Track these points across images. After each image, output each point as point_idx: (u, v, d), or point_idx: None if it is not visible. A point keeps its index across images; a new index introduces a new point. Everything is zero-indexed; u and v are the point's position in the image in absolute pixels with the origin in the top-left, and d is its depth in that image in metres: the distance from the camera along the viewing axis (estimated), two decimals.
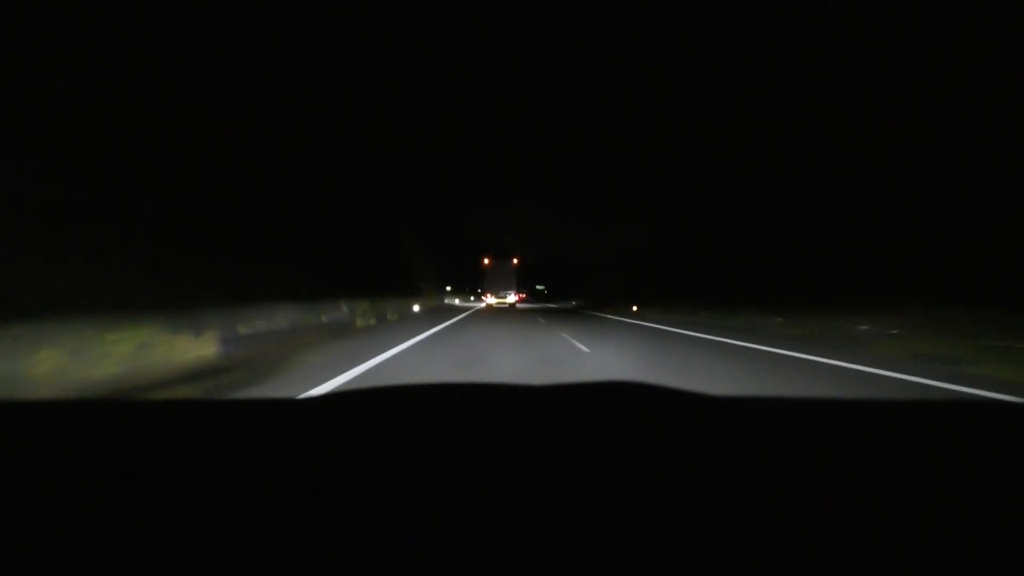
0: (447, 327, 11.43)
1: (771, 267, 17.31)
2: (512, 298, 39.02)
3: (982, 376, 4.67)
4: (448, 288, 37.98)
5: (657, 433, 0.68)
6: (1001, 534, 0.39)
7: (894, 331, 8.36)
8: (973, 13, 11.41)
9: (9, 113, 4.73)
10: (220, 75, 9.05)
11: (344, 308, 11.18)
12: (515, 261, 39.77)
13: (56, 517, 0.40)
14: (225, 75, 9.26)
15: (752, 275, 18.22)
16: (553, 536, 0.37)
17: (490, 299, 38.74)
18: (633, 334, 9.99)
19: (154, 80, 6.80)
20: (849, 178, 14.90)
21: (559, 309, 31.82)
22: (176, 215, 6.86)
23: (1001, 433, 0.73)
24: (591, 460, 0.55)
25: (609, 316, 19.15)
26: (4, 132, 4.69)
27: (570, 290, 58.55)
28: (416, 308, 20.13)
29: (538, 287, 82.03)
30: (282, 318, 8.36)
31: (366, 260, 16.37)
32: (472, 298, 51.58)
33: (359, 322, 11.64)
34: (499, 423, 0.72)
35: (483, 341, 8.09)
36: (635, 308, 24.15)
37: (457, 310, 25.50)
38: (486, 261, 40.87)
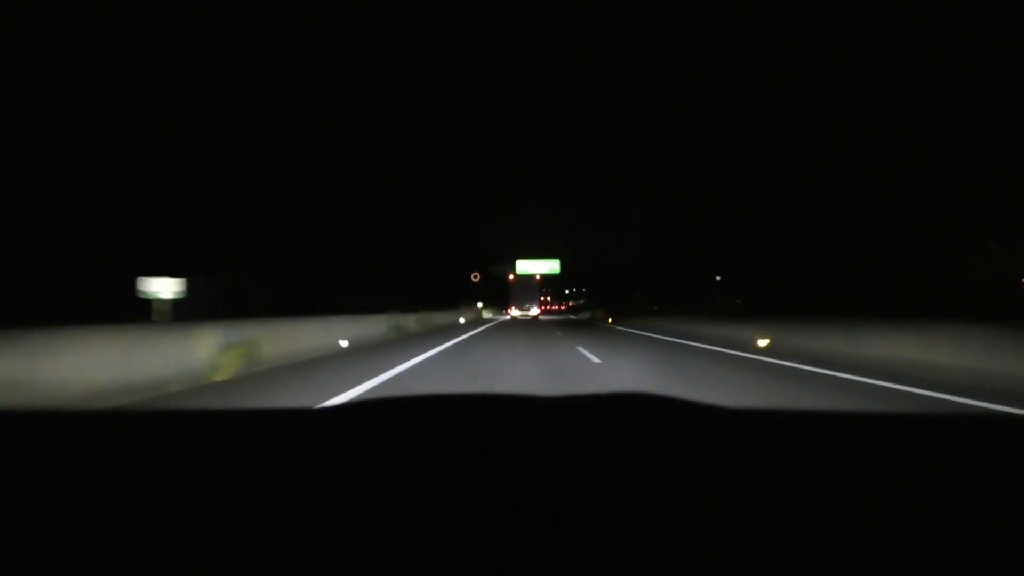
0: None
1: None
2: (535, 311, 40.47)
3: None
4: (480, 304, 37.62)
5: (666, 445, 0.68)
6: (1009, 551, 0.39)
7: None
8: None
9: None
10: (224, 89, 9.42)
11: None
12: (537, 278, 41.23)
13: (80, 529, 0.41)
14: (228, 88, 9.61)
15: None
16: (557, 549, 0.38)
17: (515, 311, 39.94)
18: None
19: (159, 90, 7.27)
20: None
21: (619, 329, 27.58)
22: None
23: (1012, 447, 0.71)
24: (600, 472, 0.56)
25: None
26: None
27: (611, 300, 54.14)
28: (462, 320, 24.84)
29: (572, 303, 77.84)
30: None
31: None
32: (475, 312, 51.89)
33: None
34: (509, 434, 0.73)
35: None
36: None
37: (489, 320, 28.81)
38: (511, 277, 42.35)
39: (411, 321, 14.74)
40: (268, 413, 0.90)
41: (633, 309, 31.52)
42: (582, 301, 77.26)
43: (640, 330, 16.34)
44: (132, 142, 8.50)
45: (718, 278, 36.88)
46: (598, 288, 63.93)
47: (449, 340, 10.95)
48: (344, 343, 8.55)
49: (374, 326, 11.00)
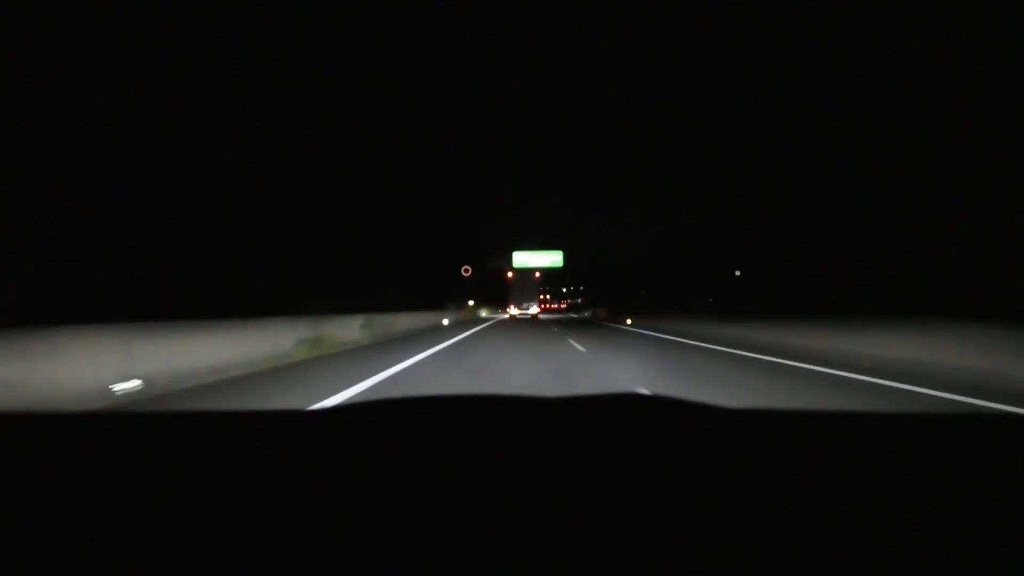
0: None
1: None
2: (535, 309, 39.77)
3: None
4: (471, 302, 33.78)
5: (666, 445, 0.68)
6: (1009, 551, 0.39)
7: None
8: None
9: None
10: (225, 91, 9.47)
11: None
12: (537, 275, 40.37)
13: (80, 529, 0.42)
14: (229, 90, 9.65)
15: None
16: (556, 549, 0.38)
17: (513, 310, 39.27)
18: None
19: (162, 98, 7.29)
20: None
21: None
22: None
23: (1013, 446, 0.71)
24: (599, 472, 0.55)
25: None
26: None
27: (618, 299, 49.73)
28: (446, 321, 20.87)
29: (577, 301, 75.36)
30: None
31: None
32: (468, 311, 50.11)
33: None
34: (508, 435, 0.73)
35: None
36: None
37: (485, 320, 26.48)
38: (509, 274, 41.60)
39: (353, 328, 9.73)
40: (267, 414, 0.90)
41: (638, 308, 29.06)
42: (579, 300, 76.24)
43: (689, 339, 10.98)
44: (132, 142, 8.50)
45: (737, 273, 31.60)
46: (598, 287, 62.63)
47: (398, 363, 6.53)
48: (128, 385, 4.08)
49: (261, 341, 6.50)
